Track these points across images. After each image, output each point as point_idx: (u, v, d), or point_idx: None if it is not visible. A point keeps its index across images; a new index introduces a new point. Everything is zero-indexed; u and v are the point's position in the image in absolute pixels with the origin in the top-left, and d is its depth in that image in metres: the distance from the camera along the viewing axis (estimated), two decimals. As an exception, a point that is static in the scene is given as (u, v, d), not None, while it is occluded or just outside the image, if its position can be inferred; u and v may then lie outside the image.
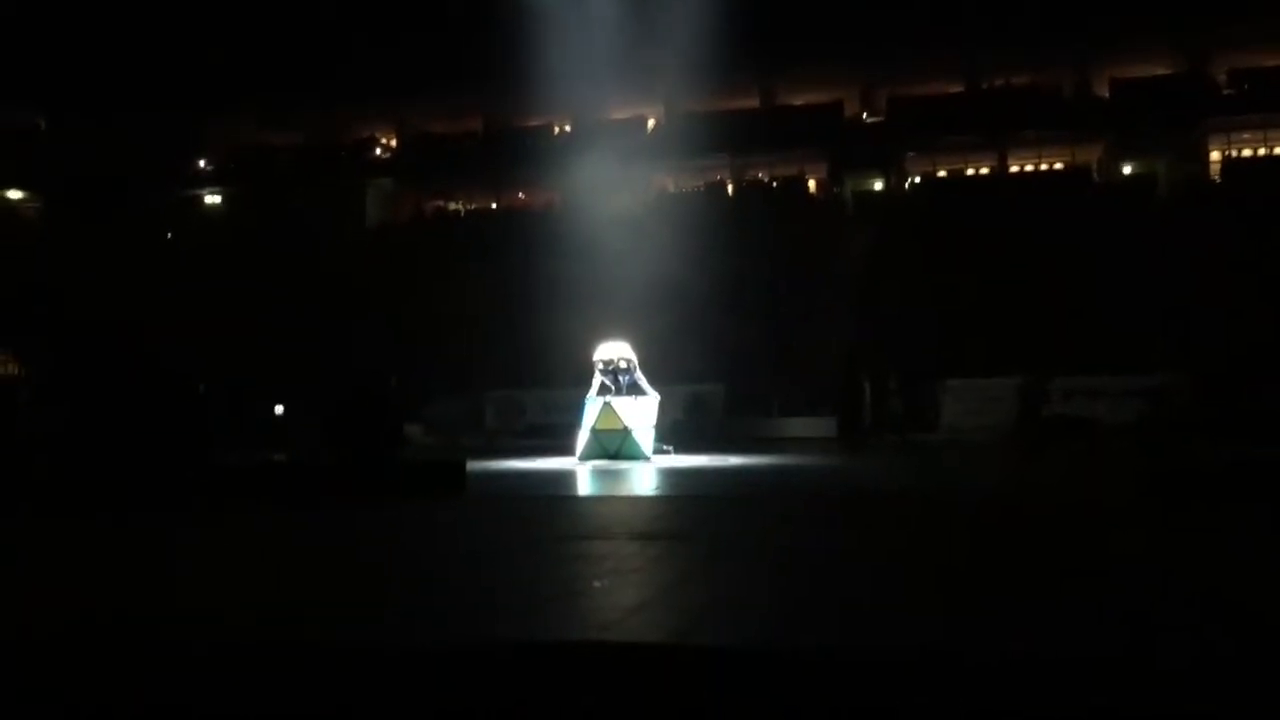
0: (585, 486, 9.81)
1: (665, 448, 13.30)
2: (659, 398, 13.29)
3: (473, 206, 37.46)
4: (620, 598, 3.70)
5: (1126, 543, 5.18)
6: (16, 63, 32.13)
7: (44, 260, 29.69)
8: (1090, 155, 33.12)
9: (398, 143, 38.31)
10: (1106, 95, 32.11)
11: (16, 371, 24.96)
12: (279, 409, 18.19)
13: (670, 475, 10.48)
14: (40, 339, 24.45)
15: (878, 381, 18.88)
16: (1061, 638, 2.97)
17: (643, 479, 10.26)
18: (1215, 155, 32.04)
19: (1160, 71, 31.79)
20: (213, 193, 38.78)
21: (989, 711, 2.46)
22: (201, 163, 38.32)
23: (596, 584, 3.99)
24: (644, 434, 12.85)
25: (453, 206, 37.71)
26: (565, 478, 10.68)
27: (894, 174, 33.83)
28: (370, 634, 3.22)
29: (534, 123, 35.83)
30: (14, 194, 37.73)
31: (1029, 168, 33.80)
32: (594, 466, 12.02)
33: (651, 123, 35.44)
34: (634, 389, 13.06)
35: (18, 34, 31.58)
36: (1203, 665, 2.62)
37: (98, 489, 8.05)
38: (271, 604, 3.82)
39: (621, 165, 28.74)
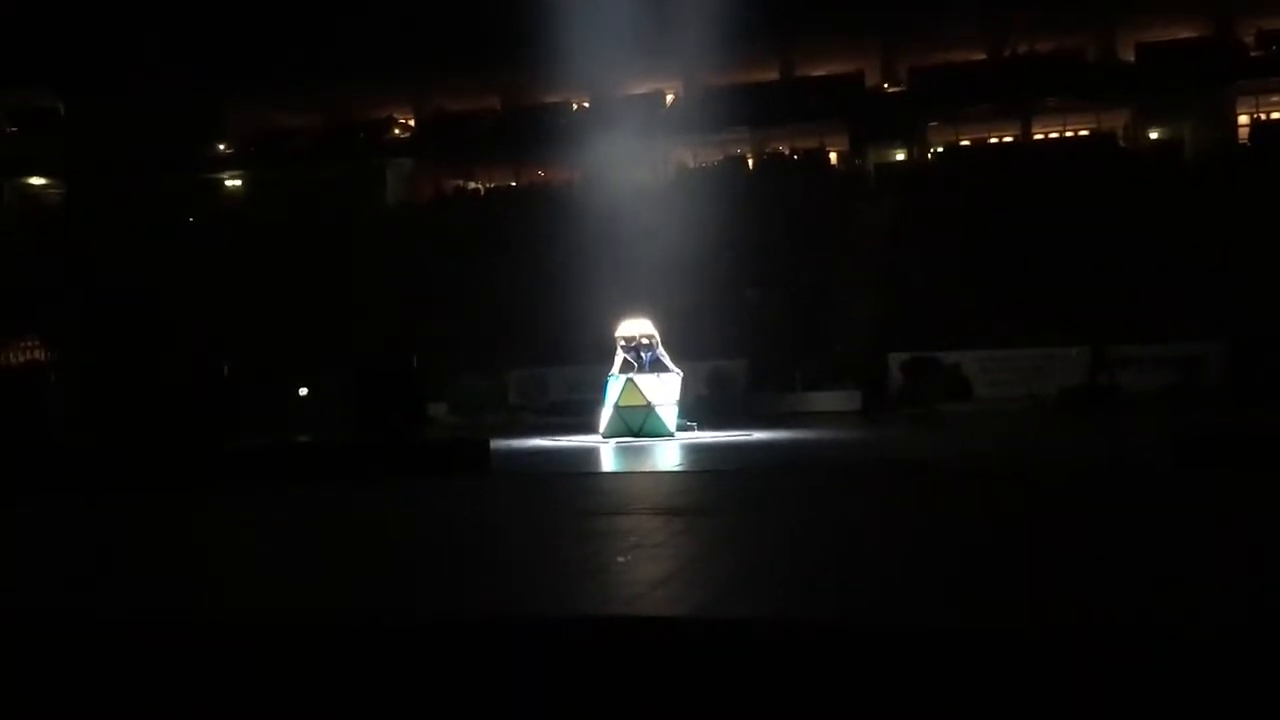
0: (609, 463, 9.80)
1: (688, 424, 13.25)
2: (681, 374, 13.24)
3: (492, 185, 37.39)
4: (644, 572, 3.69)
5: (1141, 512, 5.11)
6: (34, 46, 32.21)
7: (67, 246, 29.84)
8: (1116, 121, 32.59)
9: (416, 122, 38.22)
10: (1131, 60, 31.52)
11: (43, 357, 25.15)
12: (303, 390, 18.24)
13: (693, 451, 10.45)
14: (65, 324, 24.62)
15: (909, 356, 18.75)
16: (1071, 607, 2.93)
17: (666, 455, 10.24)
18: (1244, 118, 31.45)
19: (1186, 34, 31.17)
20: (232, 176, 38.88)
21: (1001, 677, 2.48)
22: (221, 145, 38.38)
23: (621, 559, 3.98)
24: (667, 410, 12.81)
25: (472, 185, 37.65)
26: (589, 455, 10.67)
27: (916, 144, 33.46)
28: (397, 608, 3.21)
29: (552, 99, 35.65)
30: (37, 180, 37.91)
31: (1053, 135, 33.34)
32: (617, 443, 12.01)
33: (670, 97, 35.15)
34: (656, 365, 13.02)
35: (34, 17, 31.64)
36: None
37: (125, 471, 8.10)
38: (289, 579, 3.81)
39: (641, 140, 28.54)
